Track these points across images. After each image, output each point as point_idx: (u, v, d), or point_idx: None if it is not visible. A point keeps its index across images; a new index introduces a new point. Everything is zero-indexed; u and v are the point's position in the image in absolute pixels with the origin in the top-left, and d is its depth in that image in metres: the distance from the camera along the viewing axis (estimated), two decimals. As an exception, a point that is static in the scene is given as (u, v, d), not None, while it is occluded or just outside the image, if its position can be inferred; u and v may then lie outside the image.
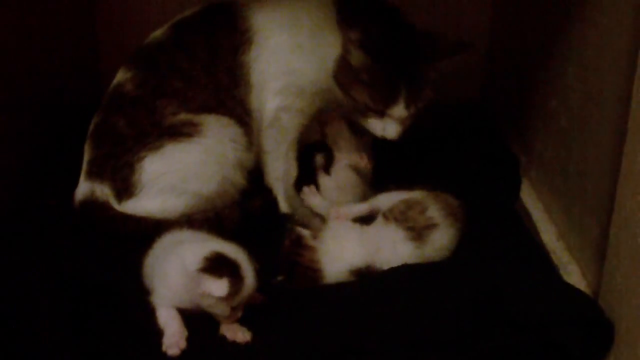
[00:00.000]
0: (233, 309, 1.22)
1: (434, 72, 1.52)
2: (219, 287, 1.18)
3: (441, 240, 1.40)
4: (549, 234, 1.55)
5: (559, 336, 1.20)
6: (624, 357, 1.17)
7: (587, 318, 1.22)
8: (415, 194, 1.44)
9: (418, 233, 1.38)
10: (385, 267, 1.37)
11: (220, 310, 1.23)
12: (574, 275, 1.41)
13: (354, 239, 1.40)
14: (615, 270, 1.20)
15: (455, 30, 2.12)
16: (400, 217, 1.39)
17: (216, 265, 1.20)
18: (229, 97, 1.58)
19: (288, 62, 1.58)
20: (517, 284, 1.29)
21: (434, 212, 1.40)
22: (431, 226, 1.39)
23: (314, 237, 1.41)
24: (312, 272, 1.37)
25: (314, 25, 1.58)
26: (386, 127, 1.52)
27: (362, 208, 1.46)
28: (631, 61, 1.16)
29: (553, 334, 1.20)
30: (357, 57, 1.49)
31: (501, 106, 2.02)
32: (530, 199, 1.68)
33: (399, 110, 1.50)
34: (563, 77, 1.54)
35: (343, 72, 1.52)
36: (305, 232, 1.42)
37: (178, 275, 1.24)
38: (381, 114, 1.51)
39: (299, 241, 1.40)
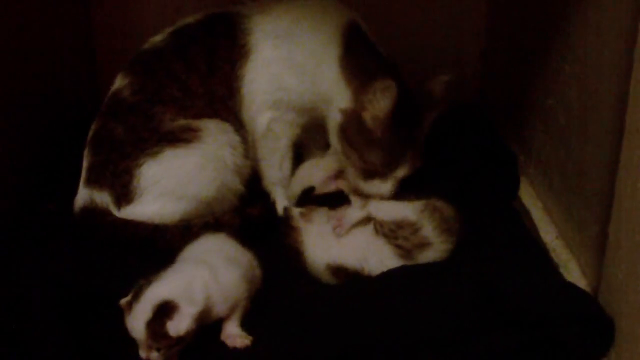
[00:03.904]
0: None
1: (427, 121, 1.53)
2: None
3: (433, 255, 1.39)
4: (548, 232, 1.55)
5: (559, 334, 1.20)
6: (624, 353, 1.17)
7: (587, 315, 1.22)
8: (410, 211, 1.41)
9: (407, 251, 1.37)
10: (374, 273, 1.37)
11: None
12: (573, 273, 1.41)
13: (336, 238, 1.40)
14: (615, 267, 1.20)
15: (451, 30, 2.13)
16: (390, 234, 1.38)
17: (160, 311, 1.17)
18: (223, 108, 1.59)
19: (280, 78, 1.59)
20: (517, 282, 1.29)
21: (429, 232, 1.38)
22: (423, 245, 1.38)
23: (306, 219, 1.43)
24: (295, 253, 1.40)
25: (312, 47, 1.57)
26: (382, 186, 1.51)
27: (359, 215, 1.43)
28: (628, 59, 1.16)
29: (553, 331, 1.20)
30: (376, 119, 1.46)
31: (499, 105, 2.02)
32: (529, 197, 1.68)
33: (403, 171, 1.51)
34: (560, 75, 1.54)
35: (354, 129, 1.50)
36: (295, 213, 1.44)
37: None
38: (385, 175, 1.51)
39: (287, 221, 1.43)
